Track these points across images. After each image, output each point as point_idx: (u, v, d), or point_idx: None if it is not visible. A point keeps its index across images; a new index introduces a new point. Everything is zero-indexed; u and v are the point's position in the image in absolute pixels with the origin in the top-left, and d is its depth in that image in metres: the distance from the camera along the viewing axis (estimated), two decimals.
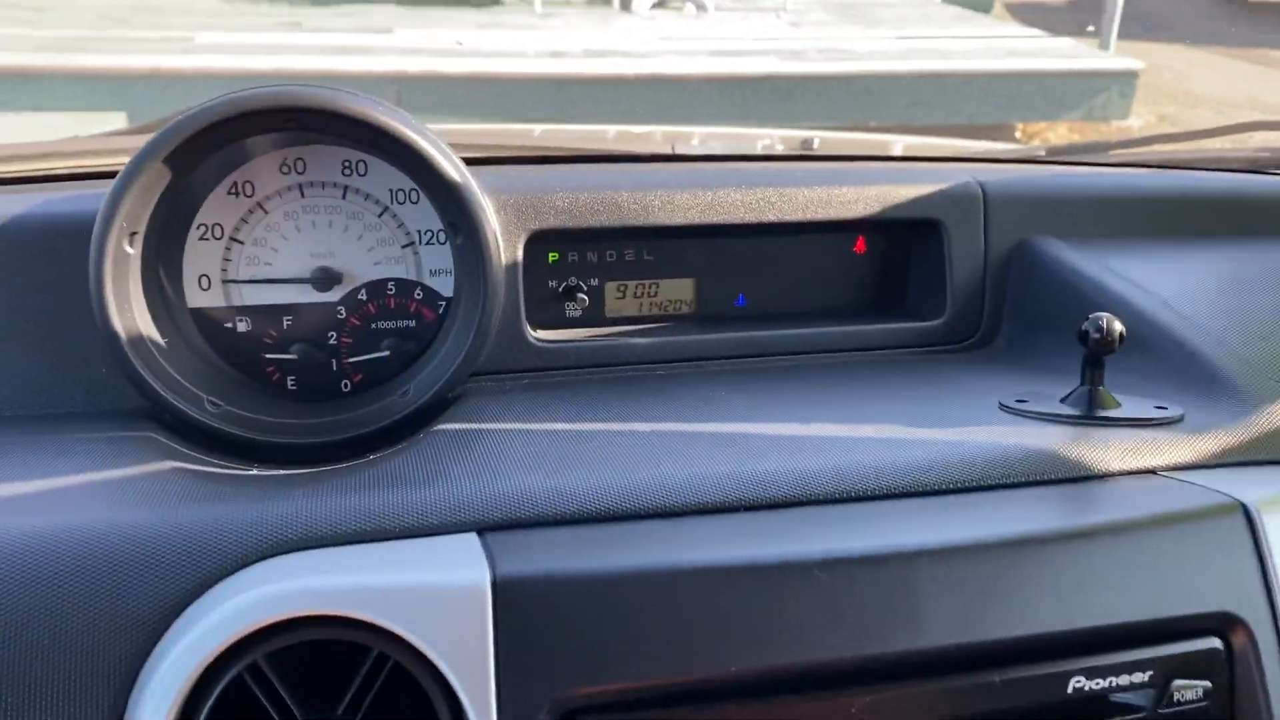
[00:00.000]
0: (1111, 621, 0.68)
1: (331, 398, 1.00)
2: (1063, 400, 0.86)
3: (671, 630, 0.63)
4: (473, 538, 0.68)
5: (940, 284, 1.11)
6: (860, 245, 1.14)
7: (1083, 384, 0.86)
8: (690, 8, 7.34)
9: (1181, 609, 0.70)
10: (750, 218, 1.06)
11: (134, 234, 0.87)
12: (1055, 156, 1.41)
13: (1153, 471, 0.79)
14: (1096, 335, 0.82)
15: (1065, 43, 7.03)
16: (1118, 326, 0.82)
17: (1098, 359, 0.84)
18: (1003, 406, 0.88)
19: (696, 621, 0.63)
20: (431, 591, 0.62)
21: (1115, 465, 0.78)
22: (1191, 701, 0.70)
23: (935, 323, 1.11)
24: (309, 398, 1.00)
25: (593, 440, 0.81)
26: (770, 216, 1.06)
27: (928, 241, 1.12)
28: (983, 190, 1.12)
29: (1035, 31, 7.59)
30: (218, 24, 6.63)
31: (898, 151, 1.54)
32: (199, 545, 0.65)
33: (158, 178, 0.86)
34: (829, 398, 0.92)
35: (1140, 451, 0.80)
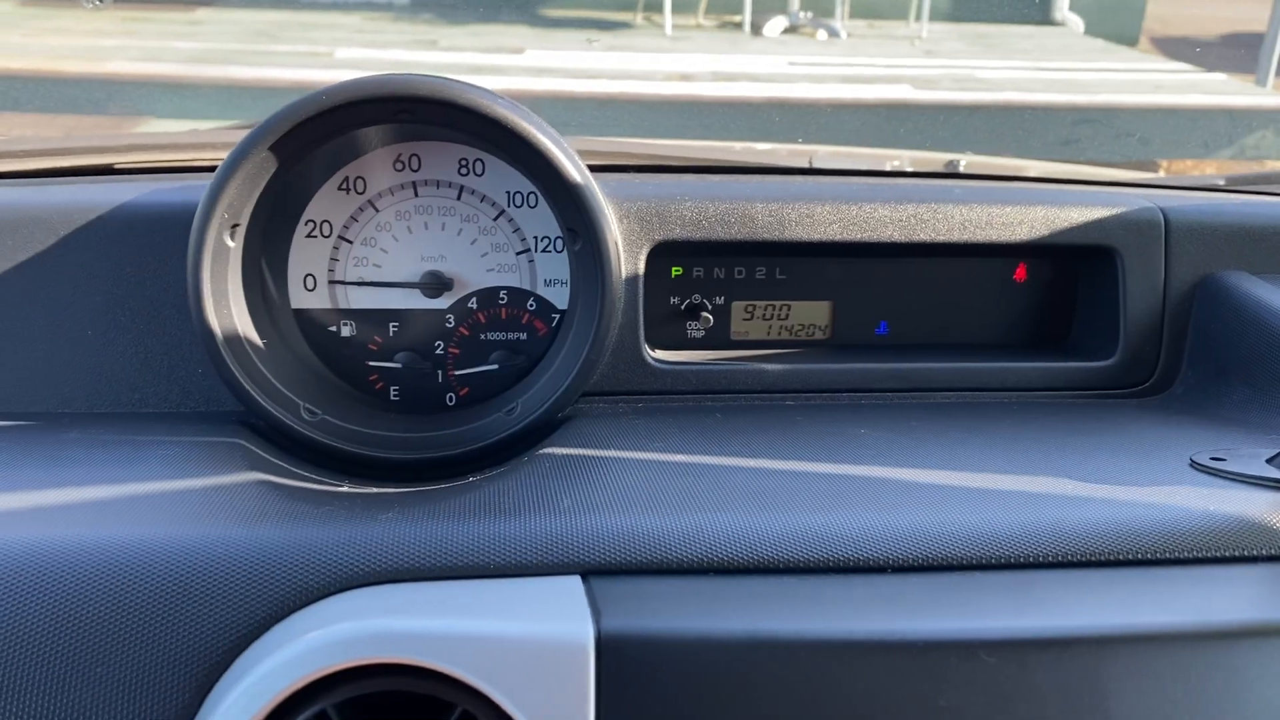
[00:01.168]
0: None
1: (435, 411, 0.94)
2: (1270, 461, 0.73)
3: (803, 714, 0.53)
4: (575, 581, 0.59)
5: (1112, 320, 0.99)
6: (1020, 273, 1.02)
7: None
8: (822, 33, 7.23)
9: None
10: (898, 236, 0.95)
11: (236, 226, 0.82)
12: (1238, 185, 1.26)
13: None
14: None
15: (1217, 78, 6.68)
16: None
17: None
18: (1195, 464, 0.75)
19: (834, 705, 0.53)
20: (527, 645, 0.53)
21: None
22: None
23: (1105, 364, 0.98)
24: (411, 410, 0.93)
25: (716, 477, 0.71)
26: (921, 236, 0.96)
27: (1099, 272, 1.00)
28: (1164, 216, 0.99)
29: (1184, 65, 7.24)
30: (357, 40, 6.82)
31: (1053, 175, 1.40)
32: (274, 571, 0.58)
33: (263, 167, 0.81)
34: (988, 442, 0.81)
35: None
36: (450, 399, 0.95)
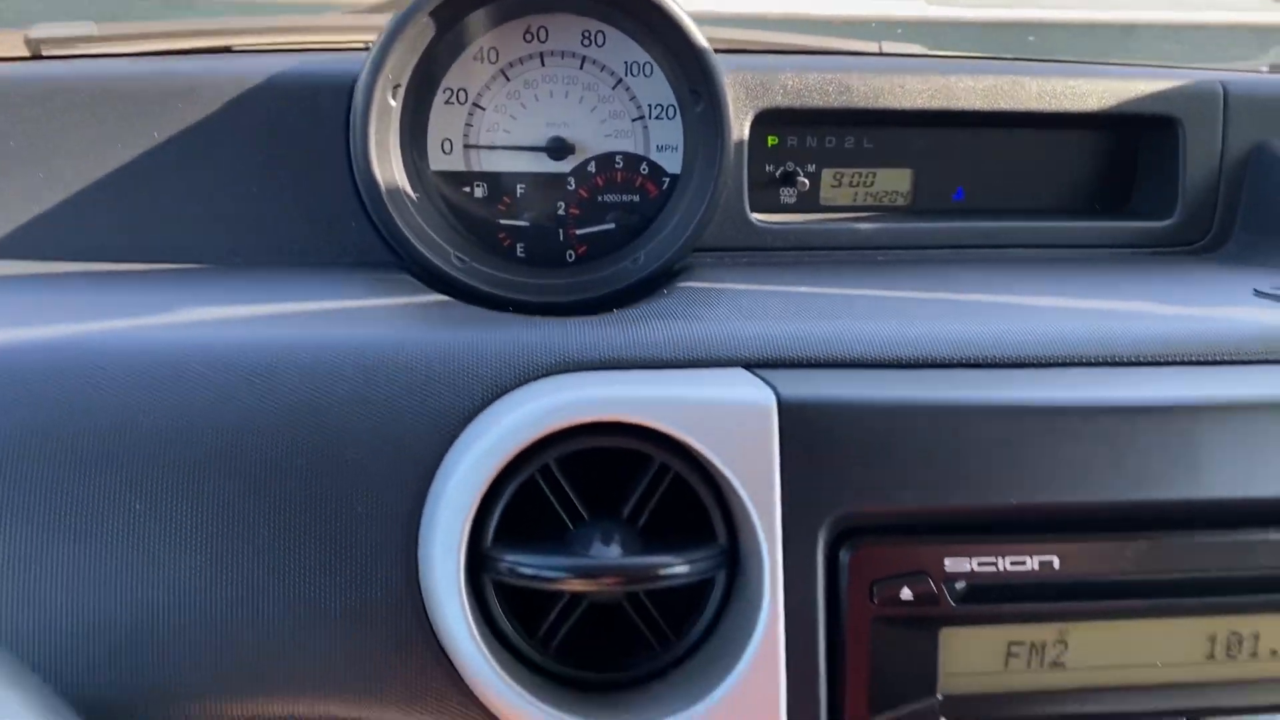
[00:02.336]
0: None
1: (558, 266, 1.03)
2: None
3: (951, 461, 0.64)
4: (741, 370, 0.69)
5: (1171, 184, 1.08)
6: (1088, 141, 1.12)
7: None
8: None
9: None
10: (982, 105, 1.04)
11: (397, 87, 0.91)
12: None
13: None
14: None
15: None
16: None
17: None
18: (1258, 292, 0.85)
19: (976, 455, 0.64)
20: (720, 407, 0.64)
21: None
22: None
23: (1164, 223, 1.08)
24: (537, 265, 1.03)
25: (847, 300, 0.82)
26: (1003, 105, 1.05)
27: (1160, 140, 1.09)
28: (1224, 89, 1.08)
29: None
30: None
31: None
32: (493, 359, 0.68)
33: (423, 32, 0.89)
34: (1075, 279, 0.91)
35: None
36: (570, 256, 1.04)
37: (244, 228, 0.97)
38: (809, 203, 1.10)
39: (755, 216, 1.04)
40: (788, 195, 1.09)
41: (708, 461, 0.63)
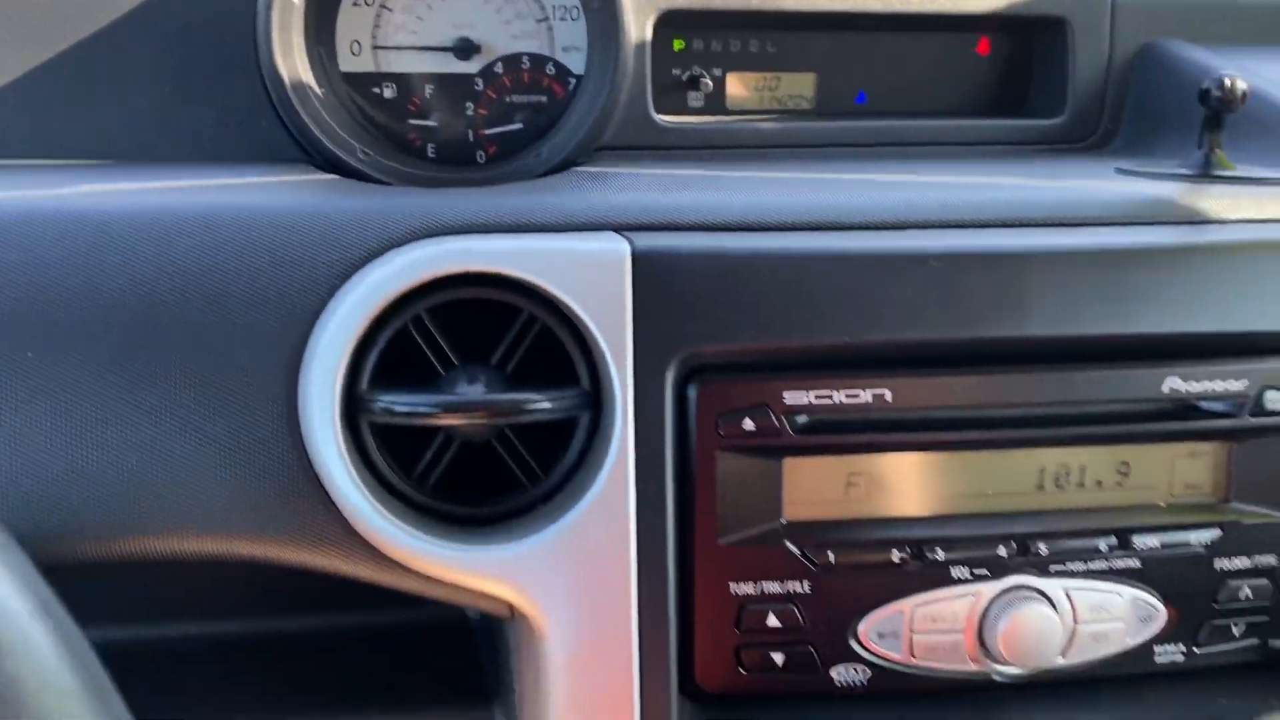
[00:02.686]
0: (1211, 329, 0.71)
1: (467, 165, 1.06)
2: (1180, 164, 0.88)
3: (789, 304, 0.68)
4: (611, 234, 0.74)
5: (1061, 84, 1.12)
6: (984, 46, 1.15)
7: (1200, 148, 0.87)
8: None
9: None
10: (879, 7, 1.08)
11: None
12: None
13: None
14: (1219, 93, 0.83)
15: None
16: (1241, 84, 0.83)
17: (1217, 118, 0.85)
18: (1119, 170, 0.90)
19: (812, 297, 0.68)
20: (578, 255, 0.68)
21: (1229, 214, 0.80)
22: None
23: (1055, 121, 1.12)
24: (446, 164, 1.06)
25: (734, 182, 0.86)
26: (898, 7, 1.08)
27: (1051, 41, 1.13)
28: None
29: None
30: None
31: None
32: (367, 223, 0.72)
33: None
34: (955, 166, 0.96)
35: (1257, 202, 0.81)
36: (480, 156, 1.07)
37: (157, 126, 1.00)
38: (715, 106, 1.14)
39: (660, 117, 1.08)
40: (694, 99, 1.13)
41: (567, 308, 0.68)
